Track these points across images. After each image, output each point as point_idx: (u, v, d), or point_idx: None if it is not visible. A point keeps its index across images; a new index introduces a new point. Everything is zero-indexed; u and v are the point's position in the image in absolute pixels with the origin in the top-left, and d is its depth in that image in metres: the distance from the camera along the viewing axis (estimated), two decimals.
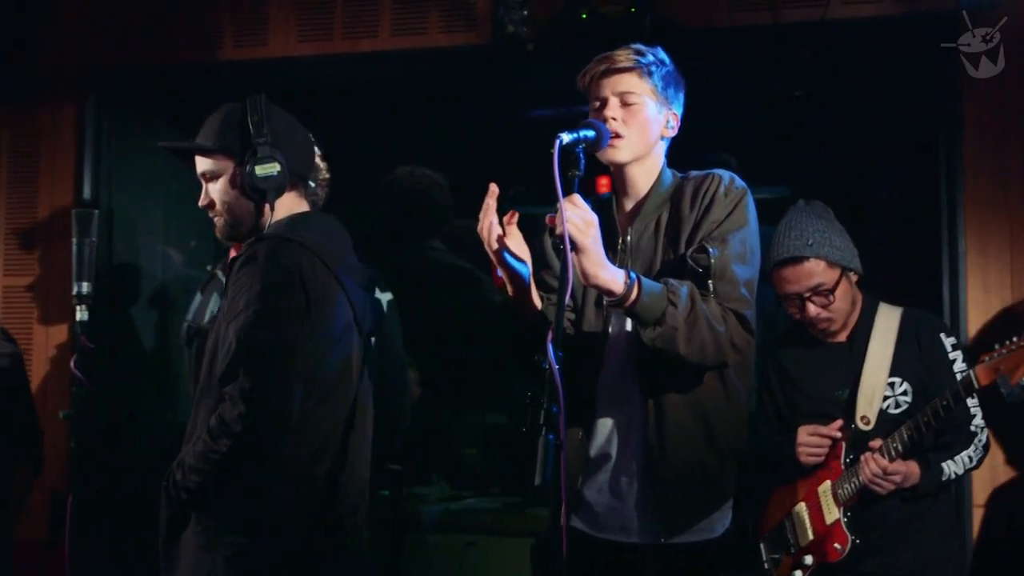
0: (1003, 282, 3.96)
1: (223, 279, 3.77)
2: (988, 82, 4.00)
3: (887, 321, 3.29)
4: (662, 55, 2.69)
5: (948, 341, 3.25)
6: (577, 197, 2.32)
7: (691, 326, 2.42)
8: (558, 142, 2.31)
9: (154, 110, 4.88)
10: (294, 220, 2.74)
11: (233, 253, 3.83)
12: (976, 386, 2.94)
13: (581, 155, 2.36)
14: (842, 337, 3.35)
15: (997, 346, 2.92)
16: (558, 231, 2.27)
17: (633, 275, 2.40)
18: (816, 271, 3.21)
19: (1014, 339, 2.87)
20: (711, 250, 2.52)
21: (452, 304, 4.56)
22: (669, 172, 2.72)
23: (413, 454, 4.20)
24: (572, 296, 2.67)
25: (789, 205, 3.41)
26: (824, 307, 3.24)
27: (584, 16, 4.24)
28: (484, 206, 2.38)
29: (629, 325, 2.58)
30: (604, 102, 2.62)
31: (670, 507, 2.58)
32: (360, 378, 2.75)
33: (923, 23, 4.13)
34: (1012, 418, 3.24)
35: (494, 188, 2.38)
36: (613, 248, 2.63)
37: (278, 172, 2.67)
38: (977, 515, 3.80)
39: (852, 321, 3.33)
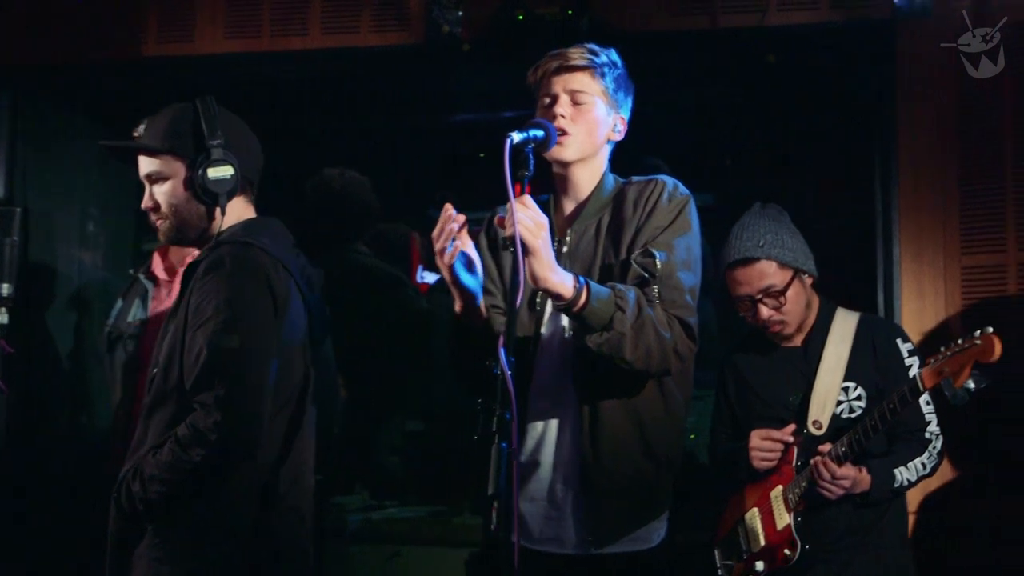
0: (937, 289, 3.98)
1: (147, 284, 3.65)
2: (923, 89, 4.05)
3: (843, 326, 3.27)
4: (615, 57, 2.65)
5: (905, 347, 3.23)
6: (527, 198, 2.27)
7: (638, 332, 2.37)
8: (508, 141, 2.26)
9: (74, 108, 4.73)
10: (249, 225, 2.67)
11: (157, 258, 3.71)
12: (921, 389, 2.92)
13: (530, 155, 2.31)
14: (797, 341, 3.32)
15: (942, 348, 2.90)
16: (508, 233, 2.21)
17: (582, 279, 2.35)
18: (767, 272, 3.18)
19: (959, 341, 2.85)
20: (657, 254, 2.48)
21: (376, 309, 4.48)
22: (611, 176, 2.68)
23: (334, 462, 4.11)
24: (504, 297, 2.62)
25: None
26: (776, 309, 3.21)
27: (520, 17, 4.19)
28: (442, 228, 2.29)
29: (566, 326, 2.52)
30: (554, 99, 2.57)
31: (605, 516, 2.52)
32: (312, 386, 2.68)
33: (858, 30, 4.15)
34: (943, 422, 3.22)
35: (450, 210, 2.29)
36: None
37: (231, 175, 2.59)
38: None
39: (807, 325, 3.30)
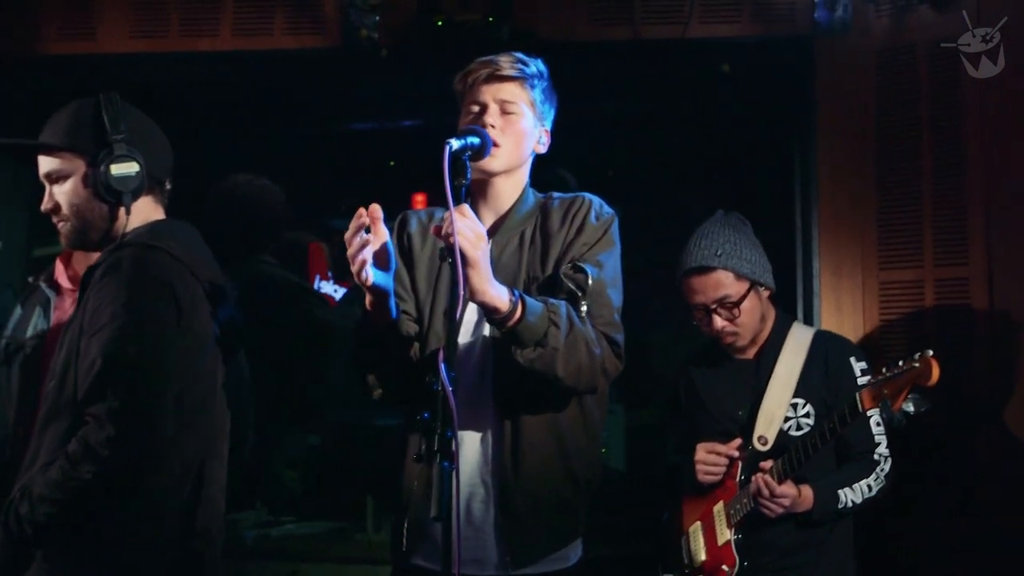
0: (855, 303, 3.99)
1: (49, 293, 3.42)
2: (842, 105, 4.06)
3: (798, 341, 3.20)
4: (543, 68, 2.57)
5: (858, 366, 3.15)
6: (466, 207, 2.18)
7: (570, 348, 2.30)
8: (448, 148, 2.17)
9: None
10: (156, 227, 2.51)
11: (60, 265, 3.50)
12: (861, 409, 2.86)
13: (467, 163, 2.22)
14: (750, 354, 3.25)
15: (883, 369, 2.84)
16: (447, 241, 2.12)
17: (516, 292, 2.27)
18: (723, 282, 3.12)
19: (899, 363, 2.79)
20: (589, 270, 2.41)
21: (281, 320, 4.34)
22: (531, 190, 2.60)
23: (230, 476, 3.98)
24: (419, 310, 2.52)
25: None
26: (730, 320, 3.15)
27: (440, 23, 4.09)
28: (355, 230, 2.14)
29: (485, 336, 2.42)
30: (484, 108, 2.48)
31: (526, 536, 2.42)
32: (222, 400, 2.53)
33: (778, 44, 4.15)
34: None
35: (373, 210, 2.16)
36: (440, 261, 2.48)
37: (136, 173, 2.46)
38: None
39: (762, 338, 3.23)
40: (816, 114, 4.09)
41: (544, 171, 4.70)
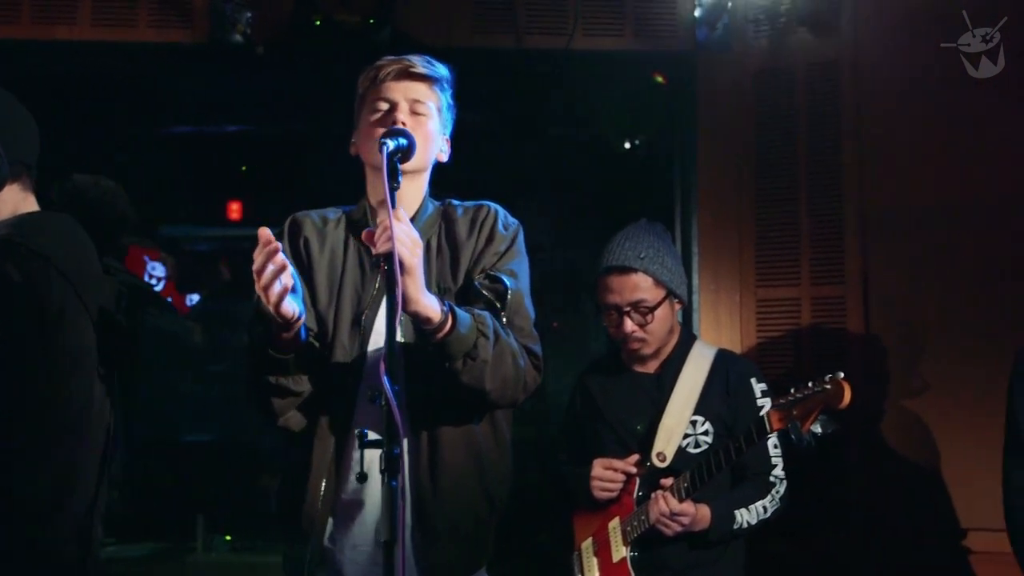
0: (733, 319, 4.02)
1: None
2: (722, 123, 4.09)
3: (700, 359, 3.16)
4: (449, 74, 2.44)
5: (759, 387, 3.13)
6: (402, 212, 2.05)
7: (497, 360, 2.19)
8: (385, 149, 2.05)
9: None
10: (23, 221, 2.22)
11: None
12: (769, 430, 2.82)
13: (399, 165, 2.08)
14: (651, 367, 3.19)
15: (792, 390, 2.80)
16: (381, 249, 1.97)
17: (447, 303, 2.14)
18: (641, 286, 3.06)
19: (809, 384, 2.75)
20: (506, 280, 2.31)
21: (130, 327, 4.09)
22: (429, 197, 2.46)
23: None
24: (319, 319, 2.33)
25: None
26: (641, 325, 3.08)
27: (318, 23, 3.92)
28: (265, 261, 1.97)
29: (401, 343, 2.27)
30: (394, 106, 2.33)
31: (440, 560, 2.27)
32: (99, 415, 2.27)
33: (661, 59, 4.16)
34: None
35: (268, 237, 1.98)
36: (372, 273, 2.33)
37: None
38: None
39: (665, 352, 3.18)
40: (697, 131, 4.11)
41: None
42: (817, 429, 2.71)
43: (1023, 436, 2.68)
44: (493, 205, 2.43)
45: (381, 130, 2.25)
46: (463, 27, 4.10)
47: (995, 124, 3.73)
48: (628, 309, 3.07)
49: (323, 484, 2.25)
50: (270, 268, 1.97)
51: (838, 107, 3.94)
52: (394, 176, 2.03)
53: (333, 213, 2.43)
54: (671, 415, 3.07)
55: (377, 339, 2.28)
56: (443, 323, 2.10)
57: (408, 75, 2.34)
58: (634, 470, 3.05)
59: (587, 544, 3.12)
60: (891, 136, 3.86)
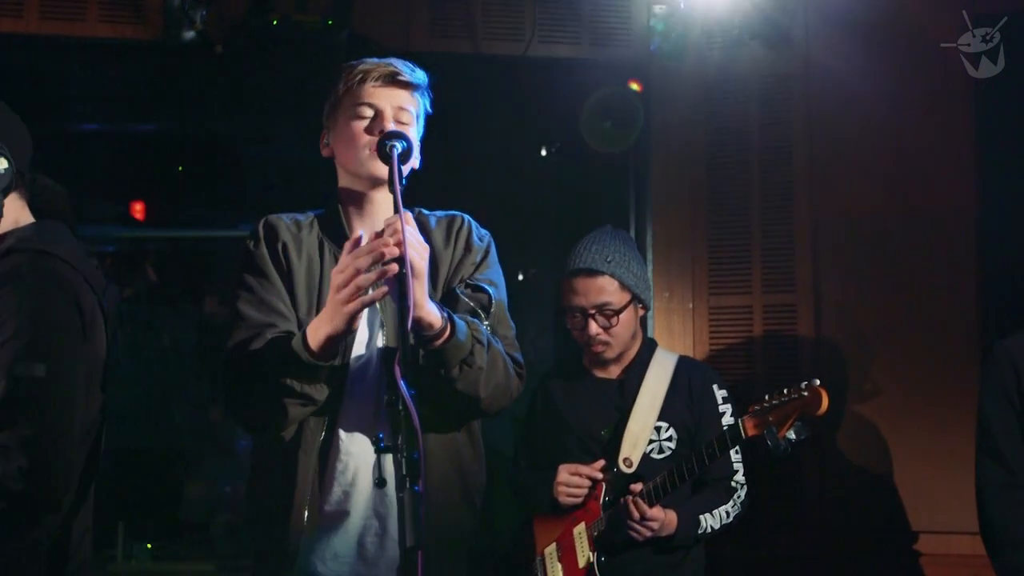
0: (686, 327, 4.06)
1: None
2: (675, 132, 4.14)
3: (662, 365, 3.19)
4: (426, 79, 2.41)
5: (720, 393, 3.18)
6: (410, 215, 2.04)
7: (491, 368, 2.18)
8: (395, 151, 2.03)
9: None
10: (40, 231, 2.17)
11: None
12: (743, 436, 2.85)
13: (401, 168, 2.06)
14: (613, 373, 3.21)
15: (767, 396, 2.84)
16: (390, 252, 1.95)
17: (445, 309, 2.13)
18: (607, 289, 3.08)
19: (785, 391, 2.79)
20: (489, 290, 2.31)
21: None
22: None
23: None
24: (300, 326, 2.26)
25: None
26: (605, 328, 3.10)
27: (275, 23, 3.86)
28: (376, 257, 1.96)
29: (379, 349, 2.24)
30: (380, 113, 2.27)
31: (431, 571, 2.23)
32: (105, 420, 2.23)
33: (615, 68, 4.19)
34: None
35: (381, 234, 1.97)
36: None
37: (5, 169, 2.11)
38: None
39: (628, 357, 3.20)
40: (651, 140, 4.16)
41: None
42: (791, 436, 2.75)
43: (995, 438, 2.74)
44: (465, 216, 2.40)
45: (367, 137, 2.23)
46: (421, 31, 4.09)
47: (939, 137, 3.85)
48: (593, 312, 3.09)
49: (309, 495, 2.18)
50: (375, 269, 1.95)
51: (790, 119, 4.02)
52: (400, 178, 2.01)
53: (303, 217, 2.36)
54: (636, 421, 3.09)
55: (359, 347, 2.25)
56: (443, 329, 2.08)
57: (394, 82, 2.29)
58: (600, 475, 3.07)
59: (550, 550, 3.12)
60: (841, 147, 3.96)
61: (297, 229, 2.33)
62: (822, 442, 3.82)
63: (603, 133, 4.10)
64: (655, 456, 3.08)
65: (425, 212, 2.41)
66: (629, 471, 3.05)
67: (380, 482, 1.84)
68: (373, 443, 1.82)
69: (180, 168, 5.49)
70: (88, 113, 4.74)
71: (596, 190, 4.45)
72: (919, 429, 3.74)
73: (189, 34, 3.84)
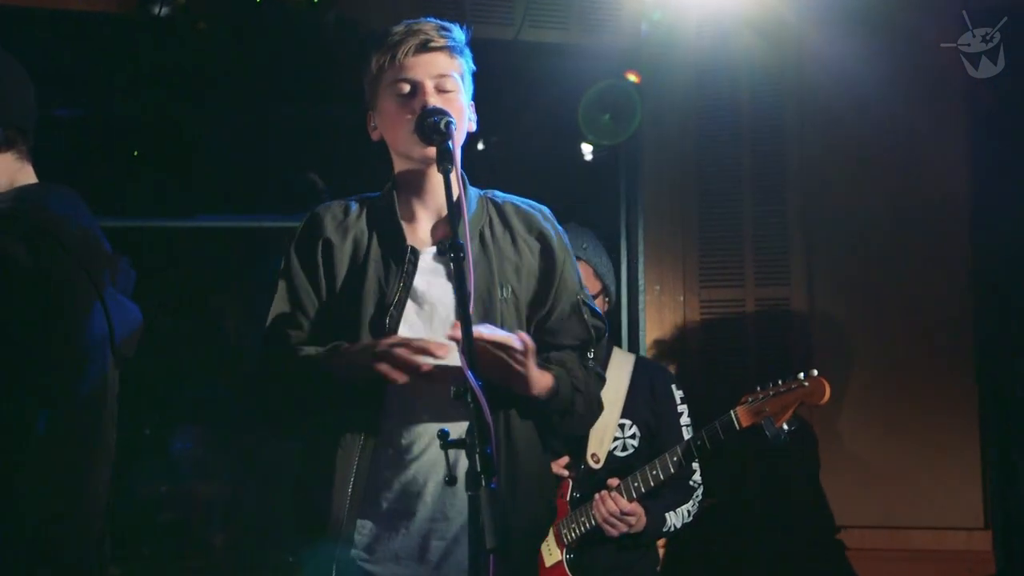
0: (677, 319, 4.01)
1: None
2: (665, 122, 4.07)
3: (620, 365, 3.23)
4: (465, 34, 2.25)
5: (678, 393, 3.23)
6: (485, 330, 1.98)
7: (587, 408, 2.19)
8: (452, 128, 1.96)
9: None
10: (24, 193, 1.94)
11: None
12: (737, 427, 2.86)
13: (452, 150, 1.97)
14: None
15: (759, 388, 2.86)
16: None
17: (548, 364, 2.11)
18: (583, 274, 3.05)
19: (780, 382, 2.82)
20: (599, 311, 2.27)
21: None
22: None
23: None
24: (340, 317, 2.13)
25: None
26: None
27: (259, 1, 3.71)
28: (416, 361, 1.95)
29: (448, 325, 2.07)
30: (418, 87, 2.13)
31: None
32: (107, 403, 2.01)
33: (605, 54, 4.10)
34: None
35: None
36: (398, 265, 2.14)
37: None
38: None
39: None
40: (641, 131, 4.08)
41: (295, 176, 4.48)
42: (786, 426, 2.76)
43: None
44: (544, 207, 2.30)
45: (408, 116, 2.10)
46: (408, 13, 3.93)
47: (934, 130, 3.84)
48: None
49: (349, 489, 2.06)
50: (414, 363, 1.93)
51: (782, 110, 3.97)
52: (448, 158, 1.94)
53: (356, 202, 2.25)
54: (602, 418, 3.08)
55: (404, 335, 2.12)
56: (554, 388, 2.07)
57: (428, 48, 2.15)
58: (565, 473, 3.09)
59: None
60: (834, 140, 3.92)
61: (344, 215, 2.22)
62: (814, 436, 3.80)
63: (602, 125, 4.02)
64: (619, 453, 3.13)
65: (498, 195, 2.29)
66: (597, 467, 3.09)
67: (450, 480, 1.73)
68: (439, 438, 1.71)
69: (136, 153, 5.28)
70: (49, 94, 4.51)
71: (586, 181, 4.37)
72: (913, 422, 3.74)
73: (164, 9, 3.67)
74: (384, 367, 1.93)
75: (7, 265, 1.79)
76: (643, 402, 3.18)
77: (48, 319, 1.83)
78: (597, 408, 2.22)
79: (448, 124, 1.98)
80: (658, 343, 3.95)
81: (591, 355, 2.21)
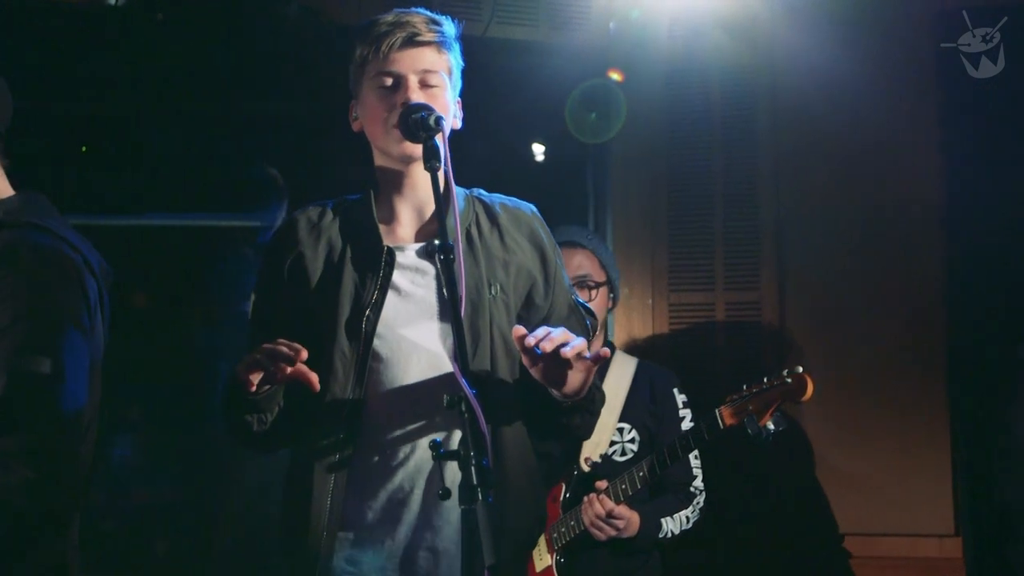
0: (646, 322, 3.95)
1: None
2: (634, 123, 4.00)
3: (622, 367, 3.20)
4: (455, 27, 2.17)
5: (680, 398, 3.18)
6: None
7: (599, 409, 2.13)
8: (442, 126, 1.87)
9: None
10: (27, 203, 1.86)
11: None
12: (721, 426, 2.81)
13: (438, 147, 1.90)
14: None
15: (745, 387, 2.80)
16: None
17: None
18: (586, 262, 3.20)
19: (764, 380, 2.76)
20: (589, 307, 2.24)
21: None
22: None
23: None
24: (314, 322, 2.04)
25: None
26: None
27: None
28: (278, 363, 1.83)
29: (443, 326, 2.04)
30: (401, 81, 2.05)
31: None
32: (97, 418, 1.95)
33: (574, 52, 4.03)
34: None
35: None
36: (374, 266, 2.05)
37: None
38: None
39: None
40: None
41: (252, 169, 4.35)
42: (771, 426, 2.71)
43: None
44: (531, 205, 2.22)
45: (389, 112, 2.02)
46: (374, 6, 3.83)
47: (906, 130, 3.81)
48: (574, 283, 3.03)
49: (328, 500, 1.97)
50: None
51: (754, 112, 3.93)
52: (435, 156, 1.87)
53: (333, 204, 2.16)
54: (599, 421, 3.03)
55: (379, 343, 2.03)
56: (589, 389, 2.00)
57: (414, 43, 2.06)
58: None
59: None
60: (806, 141, 3.88)
61: (319, 218, 2.14)
62: (787, 440, 3.76)
63: (588, 124, 3.95)
64: (618, 458, 3.07)
65: (483, 193, 2.22)
66: (590, 471, 3.03)
67: (444, 494, 1.64)
68: (431, 449, 1.62)
69: (84, 149, 5.11)
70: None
71: (554, 183, 4.30)
72: (884, 429, 3.72)
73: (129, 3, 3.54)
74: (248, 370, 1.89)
75: (56, 277, 1.76)
76: (643, 406, 3.14)
77: (91, 332, 1.77)
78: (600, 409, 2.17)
79: (438, 120, 1.90)
80: (626, 347, 3.87)
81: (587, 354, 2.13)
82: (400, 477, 1.98)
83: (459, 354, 1.66)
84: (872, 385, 3.75)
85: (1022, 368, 2.70)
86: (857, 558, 3.72)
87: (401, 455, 1.99)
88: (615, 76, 3.94)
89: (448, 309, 1.91)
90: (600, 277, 3.17)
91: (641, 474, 2.88)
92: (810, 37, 3.85)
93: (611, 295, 3.23)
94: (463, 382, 1.60)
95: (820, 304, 3.84)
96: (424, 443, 1.97)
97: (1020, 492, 2.80)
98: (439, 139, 1.89)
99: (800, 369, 2.71)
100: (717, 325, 3.89)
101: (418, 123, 1.91)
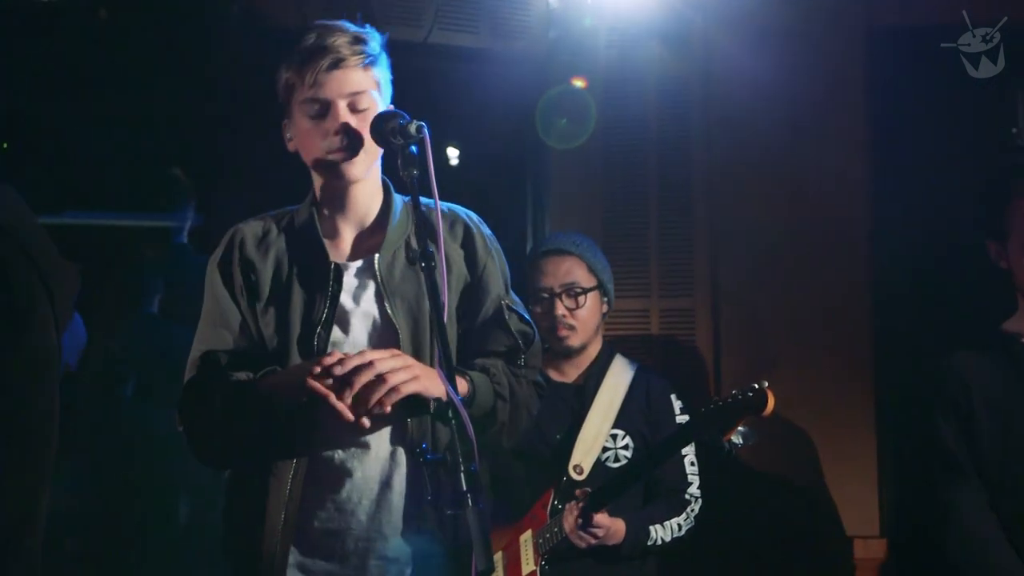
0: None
1: None
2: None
3: (620, 372, 3.17)
4: (381, 38, 2.20)
5: (677, 404, 3.17)
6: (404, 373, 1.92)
7: (514, 418, 2.12)
8: (427, 131, 1.92)
9: None
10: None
11: None
12: (689, 438, 2.84)
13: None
14: (572, 376, 3.18)
15: (714, 399, 2.79)
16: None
17: (467, 374, 2.01)
18: (575, 269, 3.15)
19: (733, 392, 2.73)
20: (531, 322, 2.21)
21: None
22: (392, 189, 2.24)
23: None
24: (266, 338, 2.09)
25: None
26: (571, 310, 3.11)
27: None
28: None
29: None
30: (329, 107, 2.07)
31: None
32: (54, 430, 1.84)
33: (512, 60, 4.08)
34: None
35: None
36: (322, 284, 2.09)
37: None
38: None
39: (587, 359, 3.19)
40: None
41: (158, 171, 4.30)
42: (737, 440, 2.71)
43: (955, 456, 2.67)
44: (469, 212, 2.25)
45: (324, 140, 2.06)
46: (316, 10, 3.85)
47: (837, 140, 3.89)
48: (560, 292, 3.09)
49: (282, 516, 2.00)
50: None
51: (688, 121, 3.99)
52: (413, 163, 1.91)
53: (275, 218, 2.20)
54: (591, 427, 3.04)
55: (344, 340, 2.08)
56: (469, 395, 1.98)
57: (339, 67, 2.08)
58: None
59: (497, 558, 2.99)
60: (739, 150, 3.95)
61: (264, 234, 2.17)
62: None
63: (559, 130, 3.99)
64: (610, 465, 3.05)
65: (425, 201, 2.17)
66: (579, 478, 3.00)
67: (433, 499, 1.74)
68: (417, 455, 1.66)
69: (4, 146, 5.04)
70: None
71: (493, 189, 4.33)
72: (822, 433, 3.79)
73: None
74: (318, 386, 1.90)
75: None
76: (638, 412, 3.11)
77: (12, 324, 1.68)
78: (526, 416, 2.16)
79: (420, 128, 1.93)
80: None
81: (522, 362, 2.16)
82: (348, 487, 2.03)
83: (445, 360, 1.71)
84: (803, 388, 3.80)
85: (948, 372, 2.73)
86: (785, 559, 3.75)
87: (350, 464, 2.03)
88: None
89: (389, 324, 2.03)
90: (588, 283, 3.12)
91: (615, 484, 2.85)
92: (744, 48, 3.93)
93: (604, 299, 3.19)
94: (450, 389, 1.65)
95: (752, 311, 3.91)
96: (374, 454, 2.02)
97: (945, 495, 2.83)
98: (422, 145, 1.93)
99: (765, 384, 2.67)
100: (652, 331, 3.95)
101: (395, 131, 1.94)
